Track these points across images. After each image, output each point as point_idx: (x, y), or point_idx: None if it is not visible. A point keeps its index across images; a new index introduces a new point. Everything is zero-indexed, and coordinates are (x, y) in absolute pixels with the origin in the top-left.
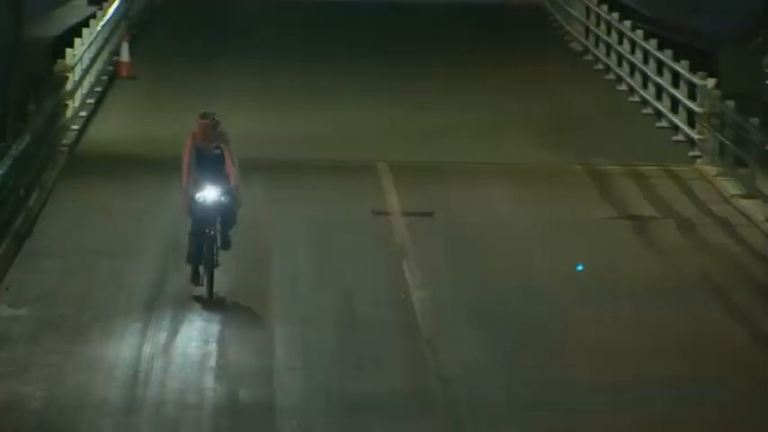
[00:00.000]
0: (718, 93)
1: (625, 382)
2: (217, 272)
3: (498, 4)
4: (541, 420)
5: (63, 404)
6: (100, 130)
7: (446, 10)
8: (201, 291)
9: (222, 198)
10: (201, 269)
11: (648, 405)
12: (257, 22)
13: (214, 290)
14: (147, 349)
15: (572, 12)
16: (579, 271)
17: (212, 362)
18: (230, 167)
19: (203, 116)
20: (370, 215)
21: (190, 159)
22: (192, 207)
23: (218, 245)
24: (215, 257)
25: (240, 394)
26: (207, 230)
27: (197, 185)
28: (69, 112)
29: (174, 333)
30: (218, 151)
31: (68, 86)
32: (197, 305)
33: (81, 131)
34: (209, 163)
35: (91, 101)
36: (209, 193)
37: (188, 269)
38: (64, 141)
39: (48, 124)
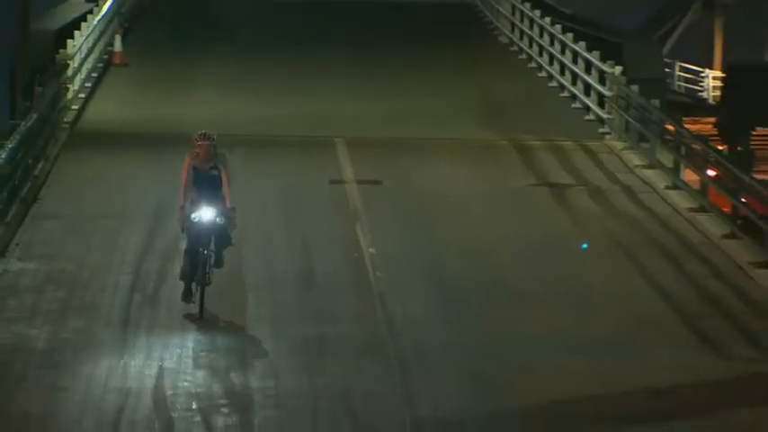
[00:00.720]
0: (623, 79)
1: (555, 334)
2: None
3: (437, 3)
4: (478, 363)
5: (64, 345)
6: (96, 110)
7: (396, 9)
8: (193, 308)
9: (218, 219)
10: (194, 287)
11: (576, 354)
12: (238, 18)
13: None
14: (137, 298)
15: (500, 9)
16: (584, 248)
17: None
18: (226, 189)
19: (202, 137)
20: (328, 183)
21: (187, 178)
22: (188, 226)
23: (212, 264)
24: (208, 276)
25: (217, 337)
26: (201, 249)
27: (193, 205)
28: (70, 95)
29: (160, 285)
30: (215, 172)
31: (69, 72)
32: (180, 266)
33: (80, 111)
34: (206, 183)
35: (88, 85)
36: (205, 214)
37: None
38: (65, 119)
39: (51, 105)
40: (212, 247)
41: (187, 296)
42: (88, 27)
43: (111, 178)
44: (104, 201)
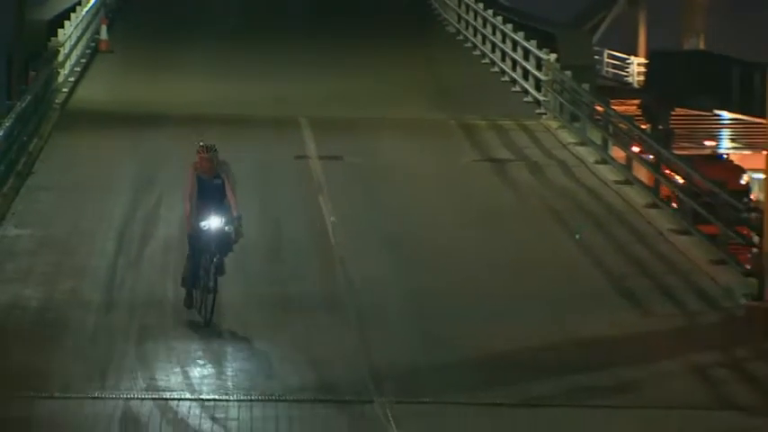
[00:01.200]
0: (558, 65)
1: (495, 292)
2: (173, 204)
3: None
4: (429, 320)
5: (56, 304)
6: (85, 92)
7: (354, 1)
8: (195, 314)
9: (226, 227)
10: (195, 293)
11: (515, 310)
12: (214, 10)
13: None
14: (121, 261)
15: (447, 2)
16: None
17: (172, 271)
18: (231, 197)
19: (205, 149)
20: (294, 159)
21: (192, 189)
22: (197, 234)
23: (216, 270)
24: (215, 283)
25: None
26: (207, 257)
27: (200, 214)
28: (61, 78)
29: (141, 249)
30: (218, 181)
31: (60, 58)
32: (161, 230)
33: (70, 93)
34: (211, 193)
35: (78, 69)
36: (214, 222)
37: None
38: (57, 100)
39: (44, 87)
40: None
41: (189, 302)
42: (77, 17)
43: (99, 153)
44: (92, 174)
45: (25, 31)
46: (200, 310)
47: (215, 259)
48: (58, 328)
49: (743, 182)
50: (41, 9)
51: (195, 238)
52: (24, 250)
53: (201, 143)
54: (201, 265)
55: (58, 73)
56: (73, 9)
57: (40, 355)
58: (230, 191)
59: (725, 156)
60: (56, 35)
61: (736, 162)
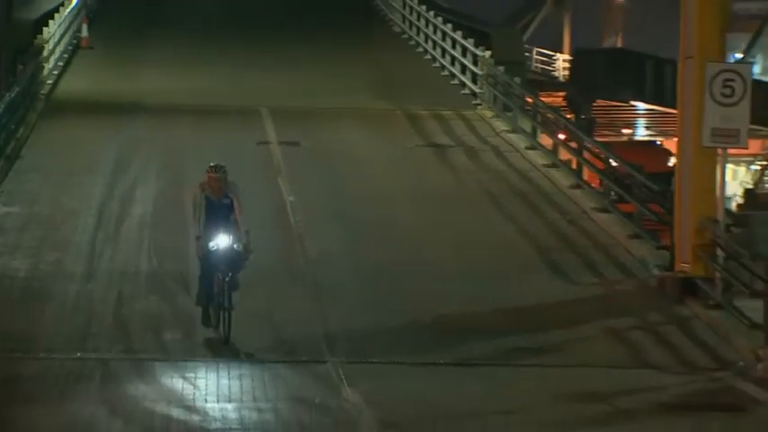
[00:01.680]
0: (492, 61)
1: (438, 265)
2: (147, 185)
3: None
4: (378, 289)
5: (42, 275)
6: (68, 84)
7: (310, 3)
8: (211, 332)
9: (235, 246)
10: (211, 312)
11: (454, 281)
12: (186, 11)
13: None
14: (100, 236)
15: (393, 4)
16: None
17: (146, 245)
18: (238, 215)
19: (215, 170)
20: (256, 144)
21: (200, 209)
22: (207, 255)
23: (229, 288)
24: (230, 301)
25: (165, 266)
26: (219, 276)
27: (208, 234)
28: (46, 72)
29: (119, 225)
30: (227, 201)
31: (45, 54)
32: (136, 208)
33: (54, 85)
34: (220, 212)
35: (61, 64)
36: (222, 241)
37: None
38: (42, 91)
39: (31, 79)
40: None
41: (206, 320)
42: (60, 17)
43: (80, 139)
44: (74, 158)
45: (13, 29)
46: (218, 327)
47: (227, 277)
48: (44, 296)
49: (670, 164)
50: (28, 9)
51: (206, 259)
52: (12, 226)
53: (211, 164)
54: (215, 284)
55: (44, 67)
56: (57, 9)
57: (28, 320)
58: (238, 210)
59: (658, 142)
60: (41, 33)
61: (666, 147)
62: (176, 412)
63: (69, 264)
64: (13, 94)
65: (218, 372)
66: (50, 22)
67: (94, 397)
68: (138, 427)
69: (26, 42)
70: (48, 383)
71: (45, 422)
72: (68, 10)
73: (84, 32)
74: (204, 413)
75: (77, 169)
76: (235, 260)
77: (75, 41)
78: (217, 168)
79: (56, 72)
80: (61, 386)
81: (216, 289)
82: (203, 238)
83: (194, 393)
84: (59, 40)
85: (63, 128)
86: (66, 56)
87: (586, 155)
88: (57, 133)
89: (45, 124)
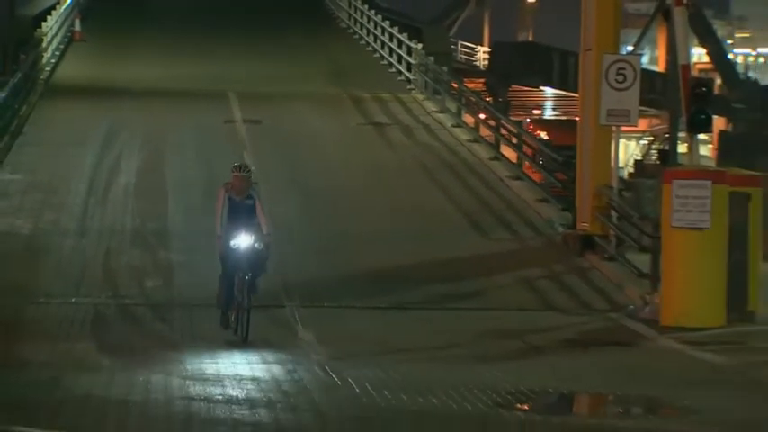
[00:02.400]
0: (423, 52)
1: (379, 226)
2: (131, 157)
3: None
4: (329, 246)
5: (42, 232)
6: (63, 72)
7: (269, 3)
8: (231, 335)
9: (256, 245)
10: (230, 314)
11: (392, 239)
12: (166, 9)
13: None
14: (91, 199)
15: (340, 3)
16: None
17: (130, 207)
18: (261, 216)
19: (239, 169)
20: (223, 123)
21: (222, 209)
22: (227, 253)
23: (249, 288)
24: (248, 301)
25: (147, 225)
26: (240, 275)
27: (229, 234)
28: (44, 60)
29: (107, 191)
30: (250, 202)
31: (44, 45)
32: (122, 177)
33: (52, 72)
34: (242, 213)
35: (57, 54)
36: (244, 240)
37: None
38: (41, 77)
39: (32, 67)
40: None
41: (225, 323)
42: (57, 13)
43: (74, 118)
44: (69, 133)
45: (16, 24)
46: (237, 329)
47: (247, 277)
48: (43, 250)
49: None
50: (29, 6)
51: (226, 258)
52: (16, 191)
53: (236, 164)
54: (235, 285)
55: (42, 56)
56: (54, 6)
57: (29, 270)
58: (261, 211)
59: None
60: (40, 27)
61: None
62: (156, 348)
63: (65, 223)
64: (16, 80)
65: (191, 314)
66: (48, 17)
67: (86, 335)
68: (122, 360)
69: (27, 35)
70: (47, 324)
71: (45, 356)
72: (64, 7)
73: (78, 27)
74: (180, 348)
75: (72, 143)
76: (255, 260)
77: (69, 35)
78: (242, 168)
79: (53, 61)
80: (58, 326)
81: (236, 290)
82: (224, 237)
83: (171, 332)
84: (56, 34)
85: (59, 108)
86: (61, 47)
87: (503, 131)
88: (54, 113)
89: (44, 105)
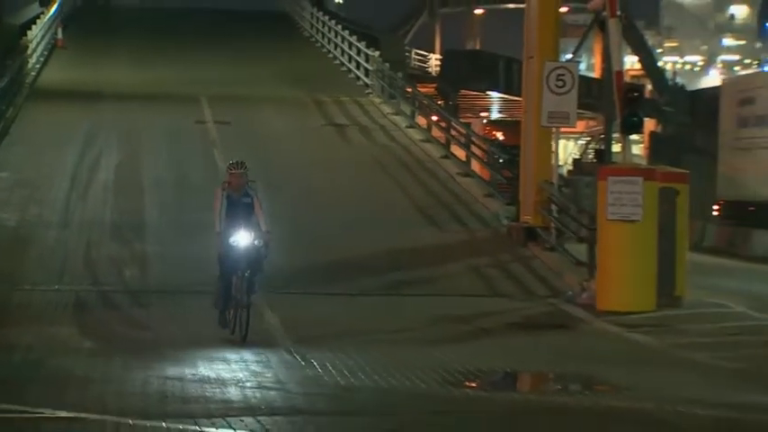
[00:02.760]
0: (380, 59)
1: (339, 217)
2: (110, 155)
3: (262, 11)
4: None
5: (27, 225)
6: (47, 76)
7: (239, 14)
8: (228, 333)
9: (256, 242)
10: (228, 314)
11: (351, 228)
12: (140, 20)
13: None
14: (73, 195)
15: (303, 14)
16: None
17: (109, 202)
18: (260, 214)
19: (235, 166)
20: (195, 123)
21: (221, 207)
22: (226, 251)
23: (248, 286)
24: (248, 300)
25: (124, 219)
26: (239, 273)
27: (228, 232)
28: (29, 66)
29: (87, 187)
30: (247, 199)
31: (29, 52)
32: (101, 174)
33: (36, 76)
34: (240, 210)
35: (41, 60)
36: (243, 238)
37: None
38: (27, 81)
39: (17, 72)
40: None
41: (222, 322)
42: (41, 22)
43: (56, 120)
44: (52, 133)
45: (2, 32)
46: (234, 328)
47: (246, 275)
48: (29, 241)
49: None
50: (15, 16)
51: (225, 256)
52: (3, 187)
53: (232, 161)
54: (233, 284)
55: (28, 62)
56: (38, 16)
57: (16, 260)
58: (259, 208)
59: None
60: (26, 35)
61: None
62: (132, 331)
63: (48, 216)
64: (3, 84)
65: (166, 299)
66: (33, 26)
67: (69, 320)
68: (102, 344)
69: (13, 42)
70: (32, 309)
71: (31, 339)
72: (47, 17)
73: (60, 35)
74: (155, 332)
75: (55, 143)
76: (255, 258)
77: (52, 42)
78: (238, 165)
79: (37, 66)
80: (42, 311)
81: (234, 289)
82: (223, 235)
83: (147, 317)
84: (40, 41)
85: (43, 111)
86: (45, 53)
87: (453, 132)
88: (38, 115)
89: (29, 107)
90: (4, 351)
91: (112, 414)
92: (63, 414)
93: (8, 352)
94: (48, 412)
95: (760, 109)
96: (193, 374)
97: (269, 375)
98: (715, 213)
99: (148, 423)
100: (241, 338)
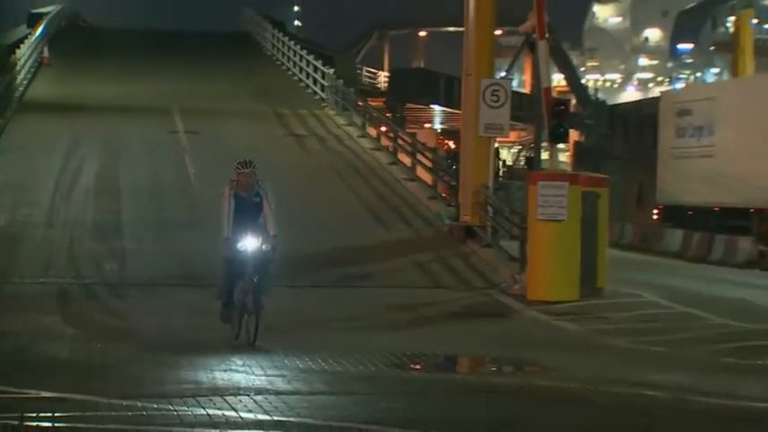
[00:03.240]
0: (335, 76)
1: (300, 217)
2: (91, 162)
3: (228, 32)
4: None
5: (16, 224)
6: (34, 91)
7: (206, 35)
8: (232, 332)
9: (263, 247)
10: (232, 311)
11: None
12: (121, 38)
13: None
14: (57, 197)
15: (265, 35)
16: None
17: (90, 204)
18: (269, 215)
19: (244, 165)
20: (168, 133)
21: (229, 208)
22: (234, 256)
23: (256, 291)
24: (258, 303)
25: (104, 219)
26: (246, 279)
27: (236, 235)
28: (18, 81)
29: (71, 190)
30: (257, 199)
31: (18, 68)
32: (83, 179)
33: (24, 91)
34: (249, 210)
35: (29, 76)
36: (251, 243)
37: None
38: (15, 95)
39: (7, 87)
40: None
41: (224, 316)
42: (28, 42)
43: (43, 130)
44: (38, 141)
45: None
46: (239, 333)
47: (255, 280)
48: (18, 238)
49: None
50: (4, 36)
51: (232, 261)
52: None
53: (239, 160)
54: (240, 288)
55: (16, 78)
56: (26, 36)
57: (5, 256)
58: (268, 209)
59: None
60: (14, 53)
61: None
62: (111, 320)
63: (35, 216)
64: None
65: (142, 292)
66: (21, 45)
67: (53, 310)
68: (83, 331)
69: (3, 60)
70: (21, 300)
71: (19, 327)
72: (34, 37)
73: (46, 54)
74: (132, 321)
75: (41, 150)
76: (262, 262)
77: (39, 60)
78: (246, 164)
79: (25, 82)
80: (30, 302)
81: (240, 294)
82: (231, 240)
83: (124, 307)
84: (28, 59)
85: (31, 122)
86: (32, 70)
87: (400, 141)
88: (26, 125)
89: (18, 118)
90: None
91: (92, 394)
92: (46, 394)
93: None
94: (33, 393)
95: (697, 120)
96: (166, 359)
97: (236, 360)
98: (655, 217)
99: (125, 402)
100: (249, 343)
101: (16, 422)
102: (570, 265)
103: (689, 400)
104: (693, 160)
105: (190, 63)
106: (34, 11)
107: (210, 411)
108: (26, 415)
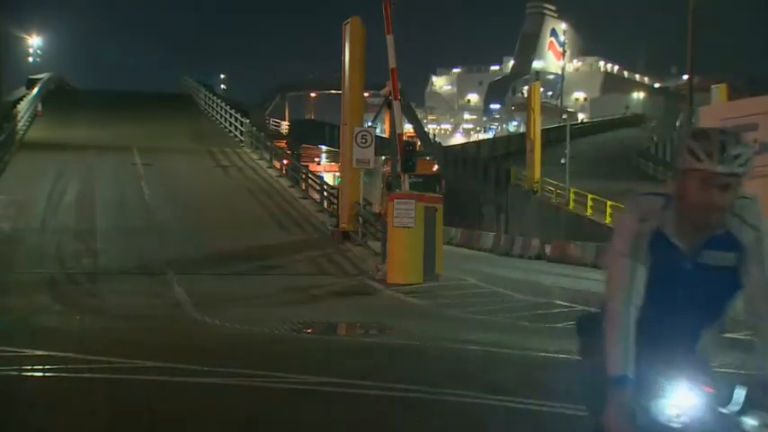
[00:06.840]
0: (250, 124)
1: (224, 224)
2: (73, 185)
3: (173, 93)
4: (194, 237)
5: (17, 230)
6: (30, 135)
7: (156, 95)
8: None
9: (727, 410)
10: None
11: (232, 234)
12: (96, 98)
13: None
14: (48, 211)
15: (199, 95)
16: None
17: (73, 216)
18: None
19: (723, 149)
20: (130, 164)
21: (630, 278)
22: (628, 419)
23: None
24: None
25: (83, 226)
26: None
27: (646, 363)
28: (19, 127)
29: (58, 205)
30: (728, 261)
31: (18, 119)
32: (67, 197)
33: (23, 135)
34: (697, 291)
35: (27, 124)
36: (695, 406)
37: None
38: (17, 138)
39: (10, 132)
40: None
41: None
42: (26, 100)
43: (37, 163)
44: (35, 171)
45: (1, 107)
46: None
47: None
48: (19, 241)
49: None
50: (8, 95)
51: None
52: (0, 206)
53: (706, 138)
54: None
55: (18, 125)
56: (24, 95)
57: (10, 253)
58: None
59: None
60: (16, 107)
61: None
62: (87, 299)
63: (32, 224)
64: (1, 139)
65: (110, 280)
66: (21, 102)
67: (45, 292)
68: (68, 307)
69: (8, 113)
70: (22, 286)
71: (20, 304)
72: (31, 96)
73: (40, 108)
74: (102, 299)
75: (36, 177)
76: None
77: (34, 113)
78: (729, 146)
79: (24, 128)
80: (28, 287)
81: None
82: (630, 383)
83: (98, 290)
84: (26, 112)
85: (28, 157)
86: (29, 120)
87: (300, 173)
88: (25, 159)
89: (19, 155)
90: (3, 312)
91: (73, 352)
92: (39, 352)
93: (5, 313)
94: (28, 351)
95: None
96: (127, 326)
97: (179, 328)
98: None
99: (98, 358)
100: None
101: (15, 373)
102: (417, 258)
103: (496, 351)
104: None
105: (144, 114)
106: (31, 76)
107: (159, 364)
108: (23, 368)
